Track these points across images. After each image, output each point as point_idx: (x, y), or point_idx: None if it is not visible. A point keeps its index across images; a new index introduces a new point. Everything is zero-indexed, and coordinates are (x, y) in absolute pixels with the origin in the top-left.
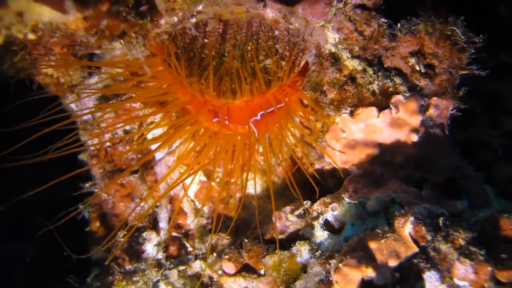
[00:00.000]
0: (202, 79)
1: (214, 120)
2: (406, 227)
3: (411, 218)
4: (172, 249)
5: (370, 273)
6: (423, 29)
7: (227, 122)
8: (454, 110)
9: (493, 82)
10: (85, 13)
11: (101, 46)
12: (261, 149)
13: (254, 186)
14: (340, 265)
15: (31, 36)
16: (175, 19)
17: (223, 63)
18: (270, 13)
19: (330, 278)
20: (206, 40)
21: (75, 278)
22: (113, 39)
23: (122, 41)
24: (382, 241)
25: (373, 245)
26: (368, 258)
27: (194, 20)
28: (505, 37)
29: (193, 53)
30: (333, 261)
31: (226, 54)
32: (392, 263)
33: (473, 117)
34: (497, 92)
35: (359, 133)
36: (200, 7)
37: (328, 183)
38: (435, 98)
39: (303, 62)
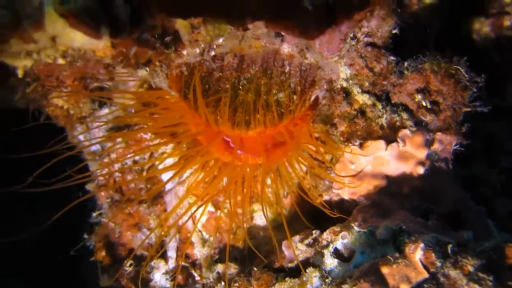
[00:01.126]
0: (216, 110)
1: (227, 148)
2: (417, 253)
3: (421, 245)
4: (180, 278)
5: None
6: (429, 67)
7: (239, 151)
8: (457, 146)
9: (489, 123)
10: (117, 40)
11: (113, 78)
12: (269, 181)
13: (266, 214)
14: None
15: (60, 61)
16: (197, 50)
17: (237, 95)
18: (286, 48)
19: None
20: (221, 74)
21: None
22: (138, 66)
23: (147, 68)
24: (394, 266)
25: (385, 270)
26: (380, 282)
27: (213, 53)
28: (497, 83)
29: (209, 86)
30: (345, 286)
31: (240, 87)
32: (404, 287)
33: (474, 154)
34: (493, 133)
35: (367, 165)
36: (220, 40)
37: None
38: (439, 133)
39: (313, 97)
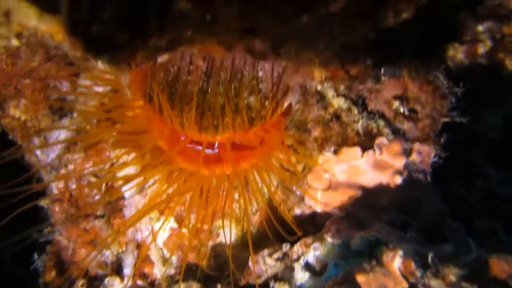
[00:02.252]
0: (182, 113)
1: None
2: (395, 261)
3: (400, 253)
4: None
5: None
6: (406, 73)
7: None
8: (436, 158)
9: (466, 148)
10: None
11: (75, 89)
12: (236, 196)
13: (230, 232)
14: None
15: (14, 42)
16: (163, 43)
17: (205, 99)
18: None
19: None
20: (189, 77)
21: None
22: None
23: None
24: (371, 274)
25: (361, 278)
26: None
27: (181, 49)
28: (472, 110)
29: (175, 89)
30: None
31: (209, 91)
32: None
33: (452, 173)
34: (470, 158)
35: (342, 174)
36: (189, 33)
37: (308, 229)
38: (418, 143)
39: (286, 104)
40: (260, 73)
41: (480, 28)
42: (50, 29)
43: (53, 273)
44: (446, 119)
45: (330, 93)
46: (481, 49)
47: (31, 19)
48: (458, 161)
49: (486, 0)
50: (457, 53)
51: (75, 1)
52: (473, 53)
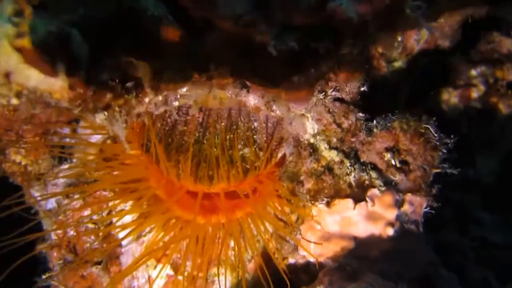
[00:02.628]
0: (178, 164)
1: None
2: None
3: None
4: None
5: None
6: (398, 125)
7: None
8: (428, 208)
9: (459, 193)
10: (74, 78)
11: (75, 130)
12: (232, 244)
13: (225, 281)
14: None
15: (14, 101)
16: (160, 98)
17: (201, 150)
18: (252, 100)
19: None
20: (185, 128)
21: None
22: (96, 111)
23: (106, 112)
24: None
25: None
26: None
27: (176, 103)
28: (467, 154)
29: (171, 139)
30: None
31: (204, 142)
32: None
33: (444, 221)
34: (464, 204)
35: (334, 225)
36: (184, 90)
37: (301, 278)
38: (409, 194)
39: (280, 154)
40: (255, 124)
41: (474, 72)
42: (49, 88)
43: None
44: (438, 170)
45: (322, 145)
46: (474, 94)
47: (31, 80)
48: (452, 207)
49: (478, 44)
50: (451, 97)
51: (73, 64)
52: (466, 97)
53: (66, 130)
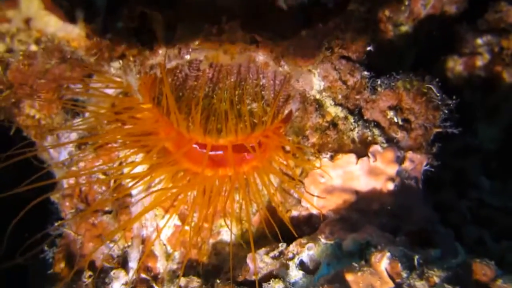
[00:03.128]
0: (188, 117)
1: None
2: (383, 262)
3: (388, 254)
4: None
5: None
6: (401, 85)
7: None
8: (428, 166)
9: (460, 160)
10: (92, 26)
11: (87, 90)
12: (237, 197)
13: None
14: None
15: (33, 47)
16: (174, 51)
17: (210, 104)
18: (262, 55)
19: None
20: (196, 83)
21: None
22: (112, 60)
23: (121, 61)
24: (359, 274)
25: (349, 277)
26: None
27: (188, 57)
28: (468, 122)
29: (182, 94)
30: None
31: (214, 97)
32: None
33: (443, 184)
34: (463, 169)
35: (337, 179)
36: (196, 43)
37: (304, 230)
38: (410, 152)
39: (287, 111)
40: (264, 81)
41: (479, 41)
42: (67, 36)
43: (62, 265)
44: (439, 130)
45: (328, 102)
46: (479, 62)
47: (50, 26)
48: (452, 171)
49: (486, 13)
50: (456, 65)
51: (91, 12)
52: (471, 66)
53: (79, 86)
